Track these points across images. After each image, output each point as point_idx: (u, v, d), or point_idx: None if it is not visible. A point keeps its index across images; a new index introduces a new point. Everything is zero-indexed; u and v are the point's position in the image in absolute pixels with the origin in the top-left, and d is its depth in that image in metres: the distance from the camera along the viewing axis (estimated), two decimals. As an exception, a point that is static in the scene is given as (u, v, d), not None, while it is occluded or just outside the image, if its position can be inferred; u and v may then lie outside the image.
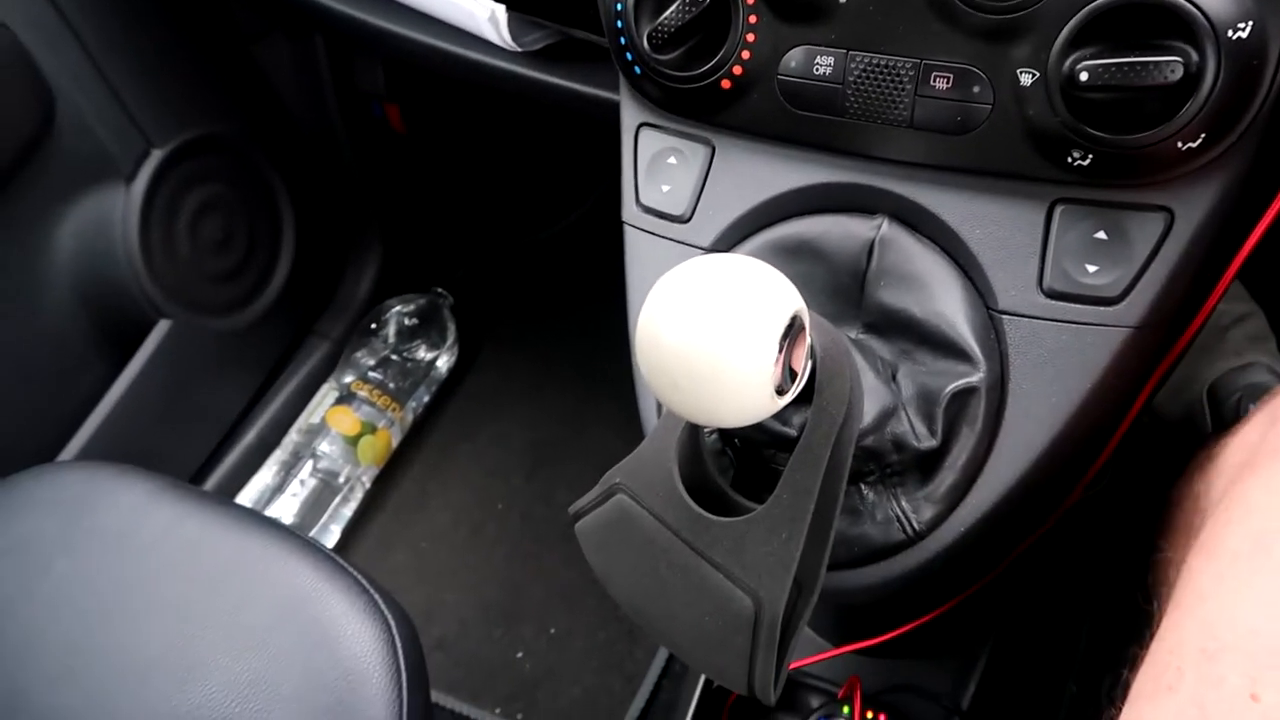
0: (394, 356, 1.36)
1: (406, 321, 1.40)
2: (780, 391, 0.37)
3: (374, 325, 1.39)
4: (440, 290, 1.45)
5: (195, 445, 1.25)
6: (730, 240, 0.58)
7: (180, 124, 1.11)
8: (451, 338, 1.42)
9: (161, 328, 1.14)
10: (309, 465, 1.26)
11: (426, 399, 1.39)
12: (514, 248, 1.59)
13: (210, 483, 1.25)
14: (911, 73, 0.50)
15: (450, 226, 1.54)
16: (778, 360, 0.36)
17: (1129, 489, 0.95)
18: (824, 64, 0.52)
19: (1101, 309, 0.50)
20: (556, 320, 1.52)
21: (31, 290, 1.05)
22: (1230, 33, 0.43)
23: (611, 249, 0.63)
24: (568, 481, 1.34)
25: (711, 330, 0.35)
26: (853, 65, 0.51)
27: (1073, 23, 0.45)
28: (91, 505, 0.75)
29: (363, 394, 1.31)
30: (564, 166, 1.57)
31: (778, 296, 0.36)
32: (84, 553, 0.71)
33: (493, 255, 1.57)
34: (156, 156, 1.08)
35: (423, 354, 1.39)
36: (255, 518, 0.75)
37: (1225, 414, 0.97)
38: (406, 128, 1.34)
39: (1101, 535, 1.04)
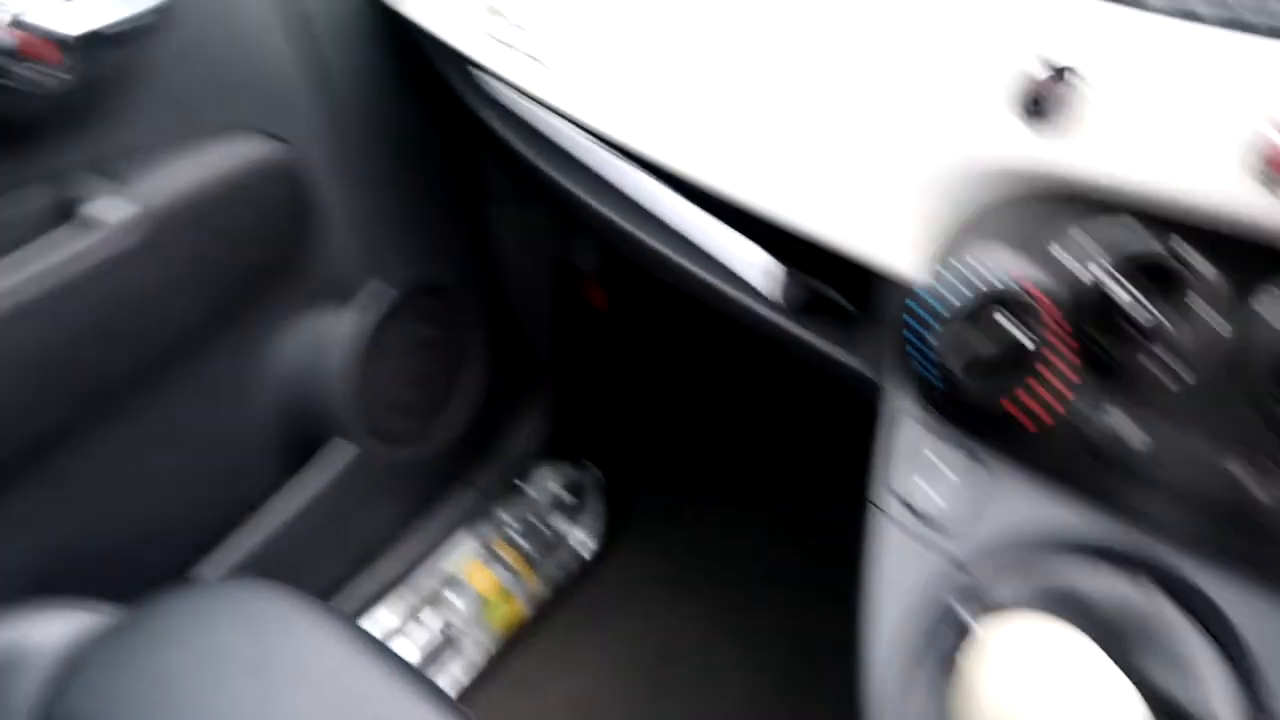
0: (538, 523, 1.36)
1: (554, 487, 1.40)
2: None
3: (524, 485, 1.40)
4: (591, 464, 1.45)
5: (330, 570, 1.25)
6: (988, 565, 0.57)
7: (416, 268, 1.18)
8: (599, 517, 1.41)
9: (335, 446, 1.17)
10: (435, 615, 1.25)
11: (563, 576, 1.36)
12: (696, 452, 1.54)
13: (335, 611, 1.24)
14: (1214, 457, 0.49)
15: (634, 416, 1.52)
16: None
17: None
18: (1129, 430, 0.52)
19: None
20: (725, 535, 1.45)
21: (238, 398, 1.08)
22: None
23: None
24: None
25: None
26: (1159, 436, 0.51)
27: None
28: (276, 630, 0.74)
29: (504, 554, 1.30)
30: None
31: None
32: (270, 682, 0.70)
33: (670, 446, 1.54)
34: (390, 295, 1.14)
35: (567, 527, 1.39)
36: (414, 675, 0.73)
37: None
38: (609, 308, 1.38)
39: None
